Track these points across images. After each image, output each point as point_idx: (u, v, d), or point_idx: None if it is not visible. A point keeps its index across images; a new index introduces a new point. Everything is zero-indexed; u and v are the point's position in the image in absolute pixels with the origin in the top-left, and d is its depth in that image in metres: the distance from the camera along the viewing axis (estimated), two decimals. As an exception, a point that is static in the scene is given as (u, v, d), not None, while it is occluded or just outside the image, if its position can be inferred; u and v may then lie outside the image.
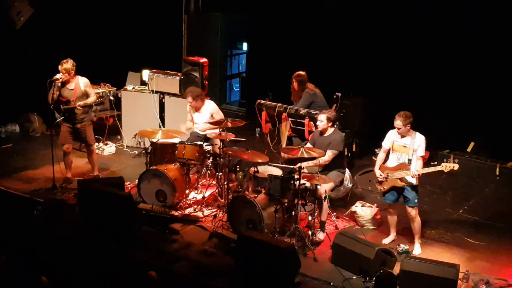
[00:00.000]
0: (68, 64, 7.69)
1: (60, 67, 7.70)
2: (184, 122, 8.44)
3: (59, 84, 7.73)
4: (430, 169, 6.31)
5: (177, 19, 12.25)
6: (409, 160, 6.36)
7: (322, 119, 7.07)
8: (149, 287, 5.14)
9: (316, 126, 7.34)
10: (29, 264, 6.08)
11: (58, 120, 7.92)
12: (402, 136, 6.42)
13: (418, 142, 6.36)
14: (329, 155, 6.99)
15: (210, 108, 8.19)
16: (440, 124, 9.11)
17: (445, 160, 6.34)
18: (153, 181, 7.45)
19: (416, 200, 6.48)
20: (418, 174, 6.34)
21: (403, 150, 6.42)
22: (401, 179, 6.40)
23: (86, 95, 7.93)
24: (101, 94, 9.80)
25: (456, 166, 6.18)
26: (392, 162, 6.54)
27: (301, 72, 8.43)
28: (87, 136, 8.07)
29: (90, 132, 8.12)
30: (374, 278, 5.80)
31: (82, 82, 7.89)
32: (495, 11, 8.86)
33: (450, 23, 9.25)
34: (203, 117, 8.16)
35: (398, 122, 6.32)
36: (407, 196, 6.47)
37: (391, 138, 6.55)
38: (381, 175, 6.55)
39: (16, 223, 6.83)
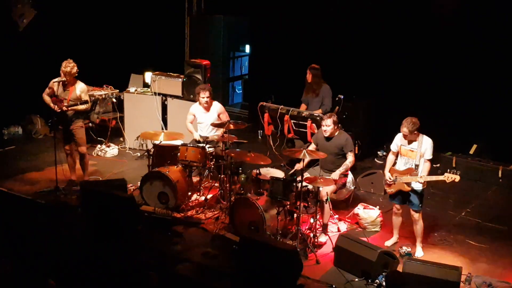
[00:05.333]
0: (68, 68, 7.62)
1: (62, 68, 7.68)
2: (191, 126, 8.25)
3: (61, 84, 7.72)
4: (434, 178, 6.27)
5: (179, 21, 12.25)
6: (416, 166, 6.32)
7: (329, 124, 7.02)
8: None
9: (318, 128, 7.31)
10: (36, 267, 6.07)
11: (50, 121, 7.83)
12: (409, 141, 6.39)
13: (425, 145, 6.32)
14: (351, 155, 7.09)
15: (217, 108, 8.12)
16: (443, 126, 9.09)
17: (448, 170, 6.28)
18: (155, 183, 7.46)
19: (420, 205, 6.46)
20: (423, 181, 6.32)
21: (410, 155, 6.38)
22: (407, 184, 6.38)
23: (79, 100, 7.77)
24: (103, 96, 9.82)
25: (457, 178, 6.11)
26: (400, 166, 6.52)
27: (315, 65, 8.44)
28: (78, 138, 7.94)
29: (82, 134, 7.99)
30: (383, 280, 5.81)
31: (79, 87, 7.79)
32: (497, 13, 8.86)
33: (452, 26, 9.25)
34: (211, 117, 8.06)
35: (404, 129, 6.25)
36: (412, 201, 6.46)
37: (398, 142, 6.52)
38: (390, 178, 6.52)
39: (18, 225, 6.82)
